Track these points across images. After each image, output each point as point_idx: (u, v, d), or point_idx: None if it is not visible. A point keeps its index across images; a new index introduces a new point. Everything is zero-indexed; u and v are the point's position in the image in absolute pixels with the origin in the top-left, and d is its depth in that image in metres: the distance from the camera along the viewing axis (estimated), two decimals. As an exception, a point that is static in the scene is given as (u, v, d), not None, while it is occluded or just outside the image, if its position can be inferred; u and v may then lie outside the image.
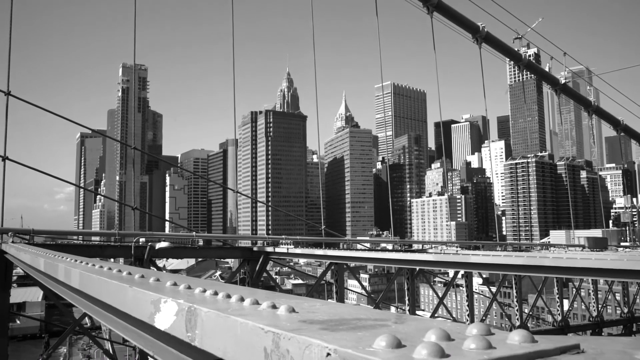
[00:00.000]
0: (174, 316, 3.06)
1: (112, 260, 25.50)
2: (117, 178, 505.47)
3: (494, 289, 40.50)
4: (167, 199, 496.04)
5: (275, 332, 2.11)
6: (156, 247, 23.95)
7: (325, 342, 1.85)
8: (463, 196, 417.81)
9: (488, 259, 20.45)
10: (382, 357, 1.67)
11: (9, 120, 23.42)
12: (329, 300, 19.69)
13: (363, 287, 36.78)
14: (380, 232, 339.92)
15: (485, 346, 1.82)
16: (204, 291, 3.45)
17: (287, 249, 27.57)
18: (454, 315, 42.64)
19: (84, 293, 5.91)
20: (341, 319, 2.38)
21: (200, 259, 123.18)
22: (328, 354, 1.80)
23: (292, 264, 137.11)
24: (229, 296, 3.13)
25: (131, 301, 3.92)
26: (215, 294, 3.31)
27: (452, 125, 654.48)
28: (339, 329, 2.15)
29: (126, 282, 4.20)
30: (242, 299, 2.99)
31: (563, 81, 56.80)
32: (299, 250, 28.38)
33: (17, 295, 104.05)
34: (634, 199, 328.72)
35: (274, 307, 2.70)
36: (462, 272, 29.99)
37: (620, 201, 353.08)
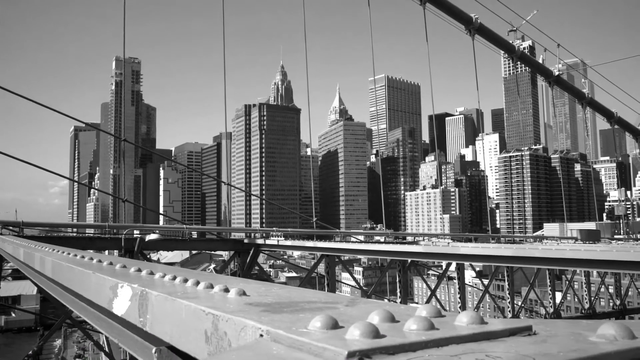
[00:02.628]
0: (129, 301, 2.99)
1: (106, 252, 25.37)
2: (111, 171, 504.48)
3: (487, 282, 40.58)
4: (161, 192, 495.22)
5: (215, 314, 2.06)
6: (146, 239, 23.89)
7: (259, 324, 1.82)
8: (457, 189, 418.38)
9: (478, 250, 20.49)
10: (312, 338, 1.60)
11: (0, 113, 23.32)
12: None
13: (355, 280, 36.76)
14: (374, 225, 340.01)
15: (427, 327, 1.75)
16: (163, 276, 3.38)
17: (278, 240, 27.57)
18: (447, 308, 42.75)
19: (57, 281, 5.83)
20: (290, 302, 2.33)
21: (194, 252, 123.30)
22: (261, 335, 1.77)
23: (286, 257, 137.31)
24: (185, 280, 3.05)
25: (94, 287, 3.85)
26: (174, 278, 3.23)
27: (446, 118, 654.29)
28: (283, 311, 2.11)
29: (90, 269, 4.11)
30: (197, 283, 2.91)
31: (557, 73, 56.76)
32: (289, 242, 28.38)
33: (13, 288, 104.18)
34: (628, 192, 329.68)
35: (226, 290, 2.63)
36: (454, 264, 30.05)
37: (614, 194, 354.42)
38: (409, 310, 2.11)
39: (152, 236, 24.07)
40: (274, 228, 30.91)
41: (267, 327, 1.76)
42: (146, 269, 3.84)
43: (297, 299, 2.41)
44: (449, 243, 30.59)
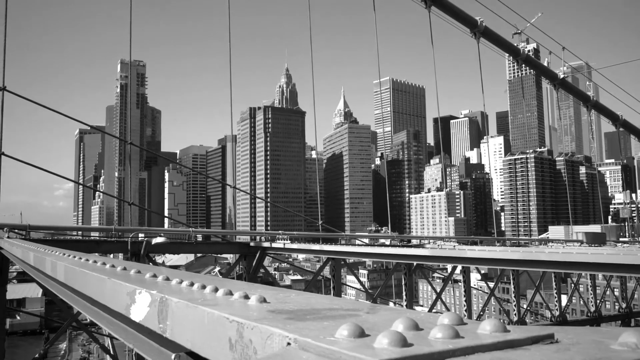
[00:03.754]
0: (148, 307, 3.00)
1: (111, 256, 25.34)
2: (116, 174, 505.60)
3: (492, 285, 40.45)
4: (166, 195, 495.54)
5: (239, 321, 2.06)
6: (152, 243, 23.90)
7: (286, 332, 1.82)
8: (462, 192, 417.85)
9: (484, 253, 20.42)
10: (342, 346, 1.61)
11: (6, 116, 23.42)
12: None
13: (361, 283, 36.79)
14: (379, 228, 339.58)
15: (452, 335, 1.76)
16: (180, 282, 3.39)
17: (284, 244, 27.52)
18: (452, 311, 42.58)
19: (69, 286, 5.85)
20: (312, 309, 2.34)
21: (199, 255, 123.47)
22: (288, 343, 1.77)
23: (291, 259, 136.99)
24: (203, 287, 3.07)
25: (109, 293, 3.87)
26: (191, 284, 3.24)
27: (451, 121, 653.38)
28: (306, 318, 2.11)
29: (105, 274, 4.13)
30: (215, 290, 2.93)
31: (562, 76, 56.62)
32: (295, 245, 28.36)
33: (18, 291, 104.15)
34: (633, 195, 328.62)
35: (246, 297, 2.64)
36: (459, 267, 29.98)
37: (619, 197, 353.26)
38: (431, 317, 2.12)
39: (159, 239, 24.09)
40: (280, 231, 30.88)
41: (295, 335, 1.77)
42: (162, 275, 3.86)
43: (318, 306, 2.41)
44: (454, 246, 30.53)
